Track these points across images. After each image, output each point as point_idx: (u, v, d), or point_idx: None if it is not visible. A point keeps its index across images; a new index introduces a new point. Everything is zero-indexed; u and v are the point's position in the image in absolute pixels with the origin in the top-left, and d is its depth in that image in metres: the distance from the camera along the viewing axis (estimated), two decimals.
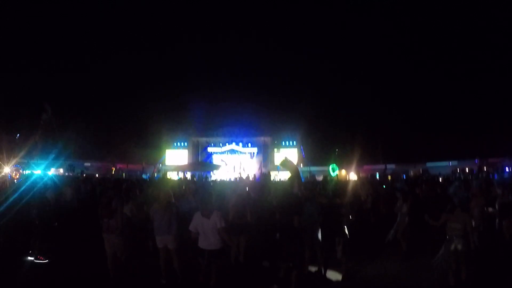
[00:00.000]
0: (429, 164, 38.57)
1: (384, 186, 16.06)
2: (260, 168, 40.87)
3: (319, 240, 8.57)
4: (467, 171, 32.28)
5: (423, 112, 49.99)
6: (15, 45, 55.33)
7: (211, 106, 46.61)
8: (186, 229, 7.43)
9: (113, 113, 49.47)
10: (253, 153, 46.48)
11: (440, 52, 60.02)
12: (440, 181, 20.66)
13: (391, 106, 50.79)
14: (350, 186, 12.14)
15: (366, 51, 69.77)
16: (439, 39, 62.40)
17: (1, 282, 7.79)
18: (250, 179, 20.17)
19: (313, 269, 8.89)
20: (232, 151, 46.31)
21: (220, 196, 10.74)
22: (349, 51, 68.25)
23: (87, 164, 39.81)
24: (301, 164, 40.36)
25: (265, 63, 71.92)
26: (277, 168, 38.07)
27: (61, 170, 34.82)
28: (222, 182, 22.04)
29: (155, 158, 45.66)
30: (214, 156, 45.96)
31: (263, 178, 14.68)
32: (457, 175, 28.80)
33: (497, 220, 10.84)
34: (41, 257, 9.57)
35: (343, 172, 31.97)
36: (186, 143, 47.18)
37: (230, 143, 46.35)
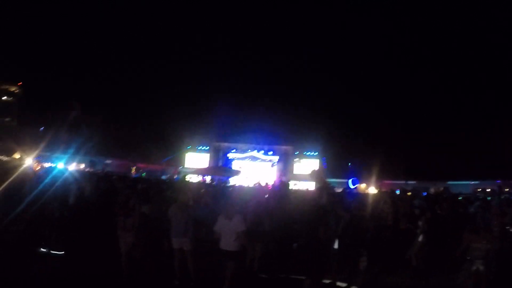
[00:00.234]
0: (449, 183, 37.89)
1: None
2: (279, 176, 40.64)
3: (335, 252, 8.46)
4: (488, 191, 31.54)
5: (446, 130, 49.25)
6: (41, 42, 56.55)
7: (234, 112, 46.70)
8: (203, 231, 7.44)
9: (137, 113, 50.02)
10: (274, 161, 46.28)
11: (471, 71, 59.24)
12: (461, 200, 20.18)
13: (415, 122, 50.21)
14: (370, 200, 11.95)
15: (391, 67, 69.22)
16: (469, 55, 61.54)
17: (15, 272, 7.80)
18: (269, 187, 20.02)
19: (327, 281, 8.75)
20: (253, 158, 46.21)
21: (239, 201, 10.67)
22: (374, 66, 67.82)
23: (108, 161, 40.13)
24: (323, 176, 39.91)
25: (291, 73, 71.81)
26: (302, 178, 37.71)
27: (82, 166, 35.20)
28: (241, 188, 21.91)
29: (176, 160, 45.88)
30: (234, 162, 45.92)
31: (283, 186, 14.51)
32: (478, 195, 28.13)
33: None
34: (57, 250, 9.58)
35: (363, 185, 31.68)
36: (207, 147, 47.27)
37: (251, 150, 46.28)
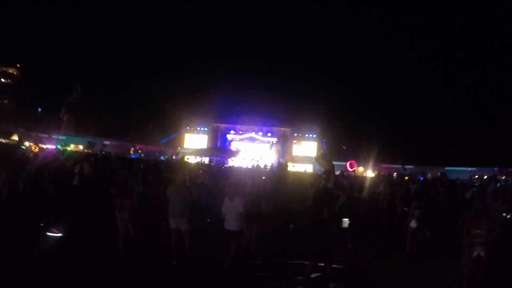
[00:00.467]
0: (447, 168, 37.98)
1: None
2: (278, 158, 40.69)
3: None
4: (485, 178, 31.58)
5: (447, 115, 49.27)
6: (39, 25, 56.13)
7: (233, 93, 46.59)
8: (200, 212, 7.50)
9: (135, 95, 49.89)
10: (272, 142, 46.33)
11: (476, 57, 58.97)
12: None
13: (414, 107, 50.14)
14: (368, 183, 11.93)
15: (392, 49, 68.91)
16: (478, 42, 61.23)
17: (14, 253, 7.84)
18: (268, 168, 20.06)
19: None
20: (252, 139, 46.28)
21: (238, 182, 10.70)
22: (375, 47, 67.49)
23: (107, 142, 40.10)
24: None
25: (290, 55, 71.59)
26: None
27: (81, 147, 35.22)
28: (239, 168, 21.94)
29: (175, 141, 45.87)
30: (233, 143, 45.94)
31: (281, 168, 14.53)
32: (475, 181, 28.17)
33: None
34: (54, 230, 9.63)
35: (361, 169, 31.72)
36: (206, 128, 47.23)
37: (250, 131, 46.31)
